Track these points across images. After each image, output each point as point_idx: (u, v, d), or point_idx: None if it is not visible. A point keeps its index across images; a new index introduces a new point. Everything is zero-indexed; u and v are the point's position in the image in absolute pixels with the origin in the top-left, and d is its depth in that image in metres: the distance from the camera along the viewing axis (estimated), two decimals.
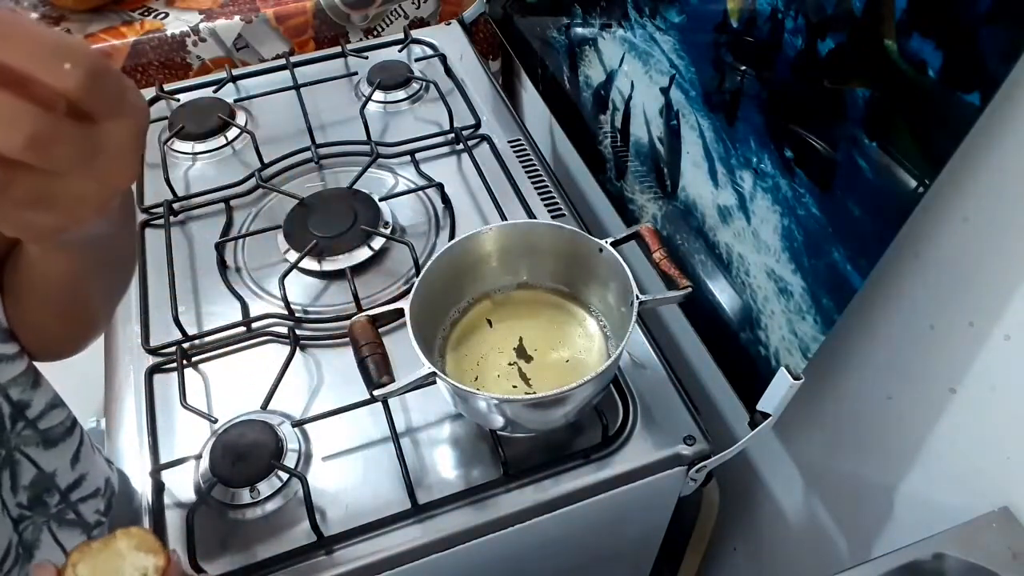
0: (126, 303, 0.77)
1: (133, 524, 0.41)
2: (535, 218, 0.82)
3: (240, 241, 0.82)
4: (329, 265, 0.77)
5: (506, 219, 0.80)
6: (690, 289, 0.63)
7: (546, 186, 0.88)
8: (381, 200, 0.83)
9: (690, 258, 0.70)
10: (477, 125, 0.94)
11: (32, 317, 0.49)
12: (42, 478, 0.50)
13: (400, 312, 0.60)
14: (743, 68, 0.56)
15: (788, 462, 0.75)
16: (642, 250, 0.67)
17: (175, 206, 0.85)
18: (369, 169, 0.86)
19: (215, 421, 0.66)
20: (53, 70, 0.27)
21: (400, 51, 1.07)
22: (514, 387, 0.63)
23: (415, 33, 1.10)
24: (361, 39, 1.31)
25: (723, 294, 0.66)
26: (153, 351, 0.72)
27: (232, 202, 0.86)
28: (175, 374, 0.69)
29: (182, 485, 0.63)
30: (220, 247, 0.80)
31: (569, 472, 0.64)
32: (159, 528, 0.60)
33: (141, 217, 0.85)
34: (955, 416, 0.53)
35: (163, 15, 1.25)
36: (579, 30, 0.83)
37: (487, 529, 0.62)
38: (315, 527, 0.59)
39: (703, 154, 0.64)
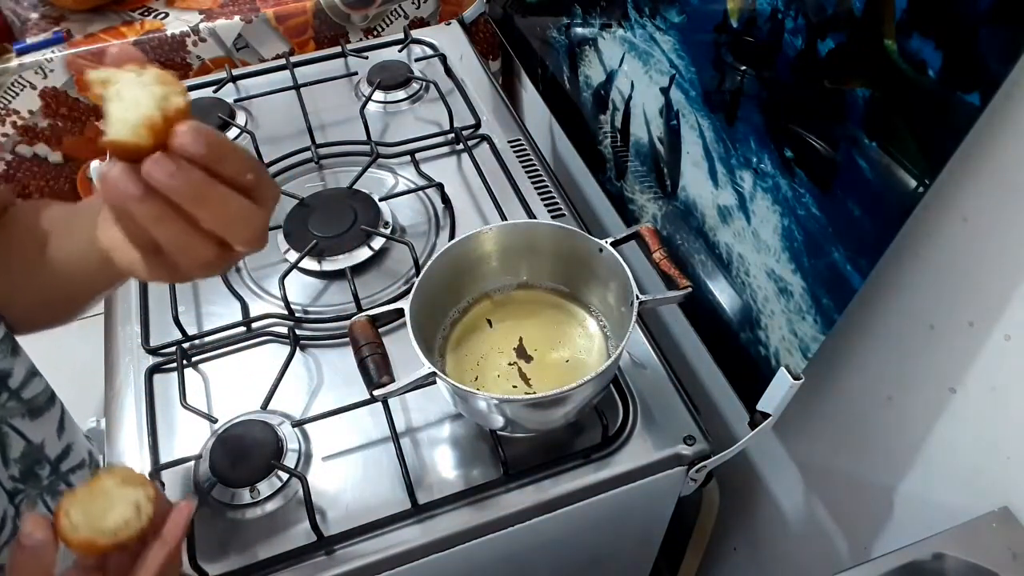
0: (126, 303, 0.77)
1: None
2: (535, 218, 0.82)
3: None
4: (329, 265, 0.77)
5: (506, 219, 0.80)
6: (690, 289, 0.63)
7: (546, 186, 0.88)
8: (381, 200, 0.83)
9: (690, 258, 0.70)
10: (477, 125, 0.94)
11: (19, 296, 0.49)
12: (31, 450, 0.50)
13: (400, 312, 0.60)
14: (743, 68, 0.56)
15: (788, 462, 0.75)
16: (642, 250, 0.67)
17: None
18: (369, 169, 0.86)
19: (215, 421, 0.66)
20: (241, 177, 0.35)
21: (400, 51, 1.07)
22: (514, 387, 0.63)
23: (415, 33, 1.10)
24: (361, 39, 1.31)
25: (723, 294, 0.66)
26: (153, 351, 0.72)
27: None
28: (175, 374, 0.69)
29: (182, 485, 0.63)
30: None
31: (569, 472, 0.64)
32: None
33: None
34: (955, 416, 0.53)
35: (163, 15, 1.25)
36: (579, 30, 0.83)
37: (487, 529, 0.62)
38: (315, 527, 0.59)
39: (703, 154, 0.64)
